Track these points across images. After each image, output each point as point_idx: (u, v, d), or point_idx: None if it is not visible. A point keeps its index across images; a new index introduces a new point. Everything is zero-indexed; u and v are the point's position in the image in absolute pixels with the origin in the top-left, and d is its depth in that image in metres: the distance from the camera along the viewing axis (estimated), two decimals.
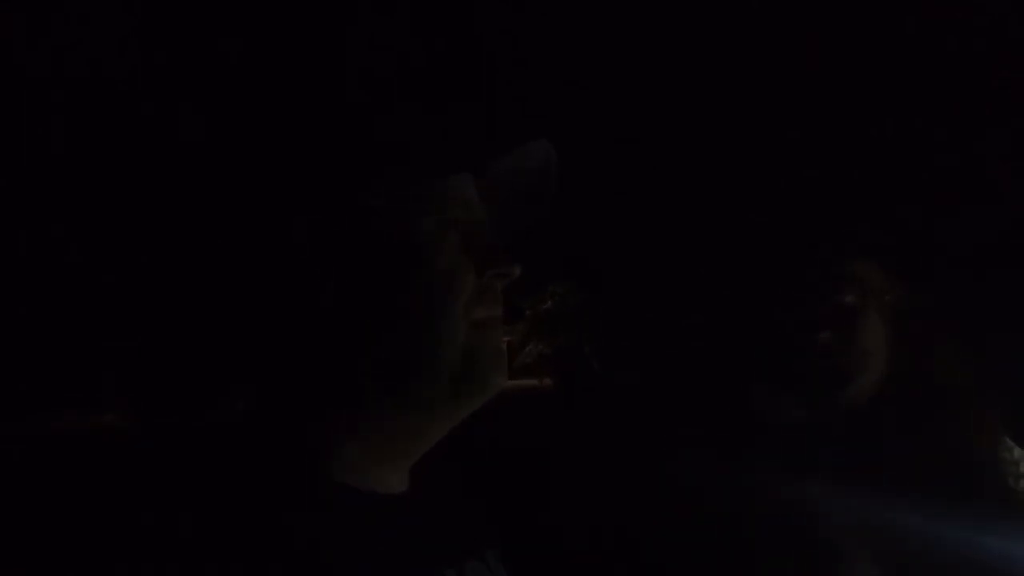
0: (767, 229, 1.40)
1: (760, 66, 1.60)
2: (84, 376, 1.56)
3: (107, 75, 1.36)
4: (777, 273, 1.32)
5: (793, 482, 1.22)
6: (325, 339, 0.80)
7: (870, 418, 1.27)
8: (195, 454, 0.85)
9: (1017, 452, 1.30)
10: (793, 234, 1.36)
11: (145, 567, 0.70)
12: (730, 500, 1.24)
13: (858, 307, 1.27)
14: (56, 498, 1.47)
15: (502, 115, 0.96)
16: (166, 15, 1.33)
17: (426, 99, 0.97)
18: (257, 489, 0.76)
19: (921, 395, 1.28)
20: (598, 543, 1.33)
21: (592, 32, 1.58)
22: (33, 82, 1.36)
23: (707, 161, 1.60)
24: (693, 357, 1.55)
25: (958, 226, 1.52)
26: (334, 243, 0.80)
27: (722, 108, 1.60)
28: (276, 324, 0.81)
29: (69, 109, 1.40)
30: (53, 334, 1.51)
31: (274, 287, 0.81)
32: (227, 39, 1.34)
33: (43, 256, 1.46)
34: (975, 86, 1.56)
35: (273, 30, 1.35)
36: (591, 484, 1.41)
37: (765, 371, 1.33)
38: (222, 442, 0.86)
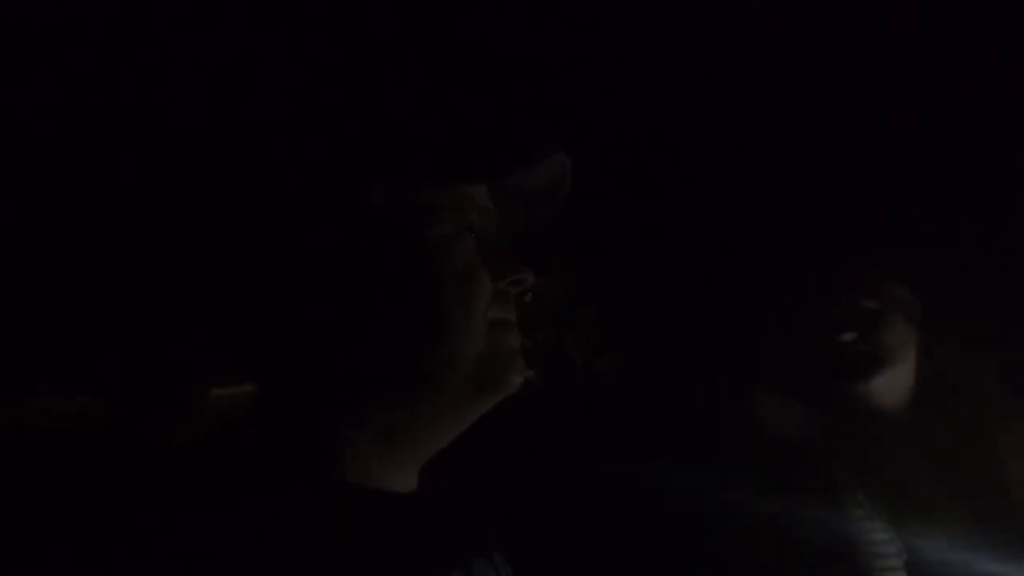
0: (781, 236, 1.41)
1: (782, 70, 1.60)
2: (61, 359, 1.54)
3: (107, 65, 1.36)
4: (792, 277, 1.34)
5: (793, 490, 1.22)
6: (341, 339, 0.81)
7: (894, 424, 1.27)
8: (204, 449, 0.85)
9: None
10: (810, 242, 1.37)
11: (147, 565, 0.70)
12: (723, 501, 1.24)
13: (880, 312, 1.28)
14: (45, 491, 1.46)
15: (519, 124, 0.96)
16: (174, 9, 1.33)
17: (445, 107, 0.98)
18: (266, 485, 0.76)
19: (944, 405, 1.29)
20: (594, 542, 1.34)
21: (606, 38, 1.58)
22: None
23: (722, 162, 1.59)
24: (683, 354, 1.55)
25: (980, 238, 1.52)
26: (354, 245, 0.81)
27: (740, 112, 1.60)
28: (291, 322, 0.82)
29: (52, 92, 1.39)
30: (30, 317, 1.50)
31: (292, 286, 0.82)
32: (244, 39, 1.33)
33: (21, 241, 1.45)
34: (993, 96, 1.56)
35: (294, 33, 1.34)
36: (580, 482, 1.42)
37: (776, 370, 1.34)
38: (232, 438, 0.86)
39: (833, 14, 1.60)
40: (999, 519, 1.21)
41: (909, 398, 1.29)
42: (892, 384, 1.27)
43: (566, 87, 1.54)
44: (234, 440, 0.85)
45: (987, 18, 1.57)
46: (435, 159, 0.85)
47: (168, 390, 1.45)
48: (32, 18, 1.33)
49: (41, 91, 1.35)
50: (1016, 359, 1.35)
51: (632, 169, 1.57)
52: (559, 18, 1.54)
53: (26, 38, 1.33)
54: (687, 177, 1.58)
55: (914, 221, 1.42)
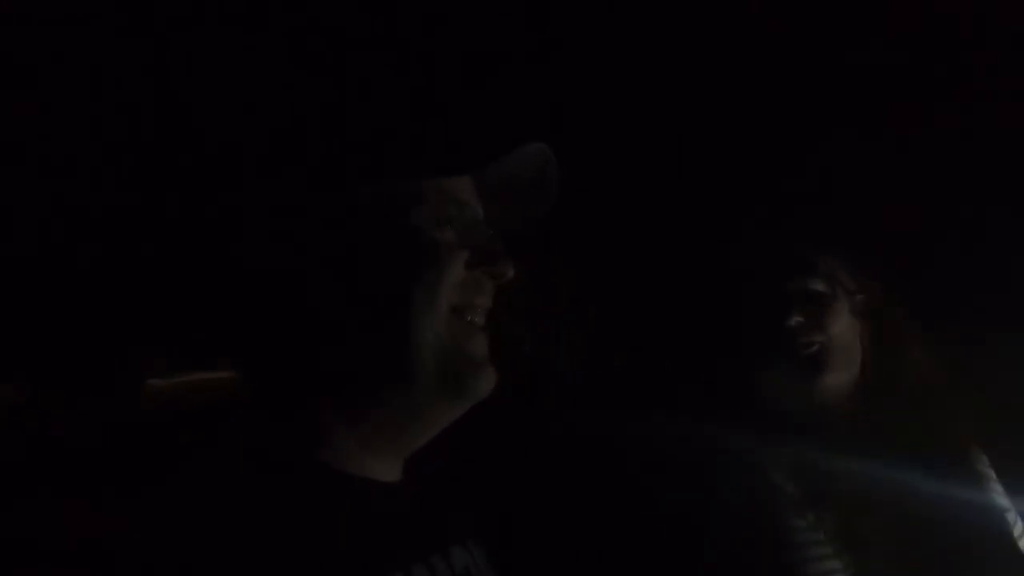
0: (732, 219, 1.41)
1: (742, 68, 1.60)
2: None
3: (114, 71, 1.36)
4: (740, 259, 1.32)
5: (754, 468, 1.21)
6: (317, 328, 0.82)
7: (842, 417, 1.26)
8: (197, 438, 0.86)
9: (986, 461, 1.30)
10: (761, 225, 1.36)
11: (133, 544, 0.70)
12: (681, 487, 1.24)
13: (827, 295, 1.26)
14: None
15: (500, 116, 0.97)
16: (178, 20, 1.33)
17: (426, 99, 0.98)
18: (252, 468, 0.78)
19: (893, 395, 1.27)
20: (568, 530, 1.34)
21: (589, 34, 1.58)
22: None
23: (673, 152, 1.59)
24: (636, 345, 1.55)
25: (932, 228, 1.52)
26: (329, 238, 0.82)
27: (701, 107, 1.60)
28: (271, 313, 0.83)
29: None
30: None
31: (271, 280, 0.83)
32: (229, 40, 1.34)
33: None
34: (948, 92, 1.57)
35: (279, 32, 1.35)
36: (554, 472, 1.42)
37: (739, 351, 1.32)
38: (218, 424, 0.87)
39: (833, 14, 1.60)
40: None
41: (854, 394, 1.27)
42: (838, 383, 1.25)
43: (564, 85, 1.54)
44: (221, 426, 0.86)
45: (986, 18, 1.57)
46: (418, 152, 0.86)
47: (98, 376, 1.43)
48: (31, 17, 1.33)
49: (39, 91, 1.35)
50: (966, 357, 1.34)
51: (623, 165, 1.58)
52: (559, 17, 1.55)
53: (25, 37, 1.34)
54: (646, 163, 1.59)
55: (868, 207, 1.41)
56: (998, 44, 1.58)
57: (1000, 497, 1.27)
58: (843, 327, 1.26)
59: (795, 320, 1.23)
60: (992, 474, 1.29)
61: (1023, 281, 1.55)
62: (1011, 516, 1.26)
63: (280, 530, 0.72)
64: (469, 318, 0.84)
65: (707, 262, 1.40)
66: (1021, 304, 1.55)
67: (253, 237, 0.84)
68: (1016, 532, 1.25)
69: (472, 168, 0.87)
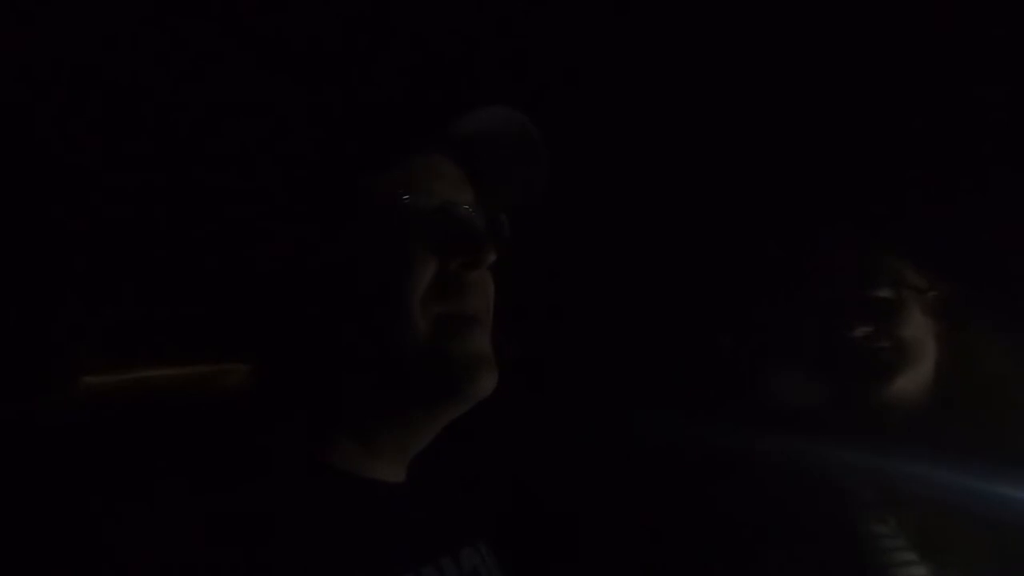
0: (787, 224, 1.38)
1: (779, 58, 1.58)
2: None
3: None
4: (805, 266, 1.29)
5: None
6: (311, 331, 0.81)
7: (918, 417, 1.22)
8: (199, 439, 0.85)
9: None
10: (818, 230, 1.33)
11: (141, 552, 0.68)
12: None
13: (895, 301, 1.22)
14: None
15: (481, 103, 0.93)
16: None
17: (397, 85, 0.97)
18: (252, 468, 0.77)
19: (967, 392, 1.24)
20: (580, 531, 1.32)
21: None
22: None
23: (726, 148, 1.56)
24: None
25: (996, 221, 1.48)
26: (315, 236, 0.81)
27: (735, 98, 1.58)
28: (268, 313, 0.83)
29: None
30: None
31: (262, 280, 0.83)
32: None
33: None
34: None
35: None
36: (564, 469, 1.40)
37: (795, 360, 1.29)
38: (225, 428, 0.85)
39: (832, 14, 1.59)
40: None
41: (930, 393, 1.24)
42: (911, 384, 1.22)
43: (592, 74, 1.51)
44: (218, 425, 0.85)
45: (987, 15, 1.56)
46: (387, 136, 0.84)
47: (28, 372, 1.41)
48: (30, 17, 1.34)
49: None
50: None
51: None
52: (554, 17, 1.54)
53: (24, 37, 1.34)
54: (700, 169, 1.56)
55: (934, 202, 1.37)
56: None
57: None
58: (913, 329, 1.22)
59: (861, 331, 1.20)
60: None
61: None
62: None
63: (287, 532, 0.71)
64: (457, 314, 0.81)
65: (768, 269, 1.38)
66: None
67: (245, 238, 0.84)
68: None
69: (450, 145, 0.84)
